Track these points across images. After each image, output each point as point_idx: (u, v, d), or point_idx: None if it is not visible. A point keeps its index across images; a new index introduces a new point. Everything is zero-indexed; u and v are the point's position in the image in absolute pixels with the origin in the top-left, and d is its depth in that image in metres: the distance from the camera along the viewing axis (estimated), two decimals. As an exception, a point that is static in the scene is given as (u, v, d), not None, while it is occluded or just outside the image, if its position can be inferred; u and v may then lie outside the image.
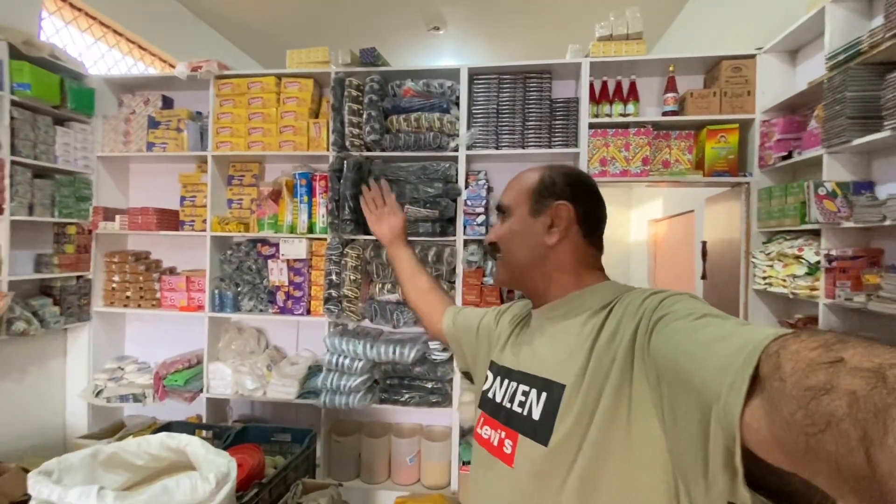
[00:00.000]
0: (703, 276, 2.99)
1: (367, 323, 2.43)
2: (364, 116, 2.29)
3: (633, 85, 2.32)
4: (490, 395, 0.73)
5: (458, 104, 2.36)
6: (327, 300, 2.30)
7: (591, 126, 2.25)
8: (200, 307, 2.55)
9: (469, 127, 2.35)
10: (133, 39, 3.54)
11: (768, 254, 2.07)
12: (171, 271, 2.78)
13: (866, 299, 1.54)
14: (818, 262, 1.77)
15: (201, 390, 2.50)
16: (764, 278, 2.09)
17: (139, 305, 2.62)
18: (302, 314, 2.47)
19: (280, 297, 2.51)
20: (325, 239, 2.41)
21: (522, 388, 0.65)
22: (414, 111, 2.29)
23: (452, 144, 2.30)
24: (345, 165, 2.27)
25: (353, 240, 2.37)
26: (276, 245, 2.50)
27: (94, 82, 2.62)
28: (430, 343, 2.31)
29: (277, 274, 2.50)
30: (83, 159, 2.56)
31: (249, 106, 2.51)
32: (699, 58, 2.25)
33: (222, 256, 2.59)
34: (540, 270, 0.72)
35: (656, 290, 0.59)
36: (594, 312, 0.64)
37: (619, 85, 2.35)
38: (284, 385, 2.43)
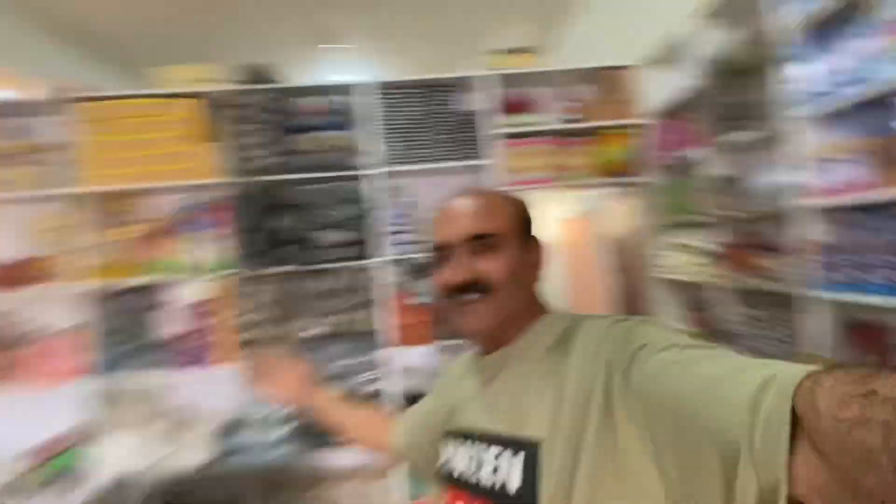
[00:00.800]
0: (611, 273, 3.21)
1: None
2: (260, 138, 2.09)
3: (530, 97, 2.40)
4: (449, 468, 0.64)
5: (362, 121, 2.26)
6: (244, 344, 2.05)
7: (499, 137, 2.28)
8: (79, 373, 2.12)
9: (384, 142, 2.27)
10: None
11: (668, 246, 2.26)
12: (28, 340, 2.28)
13: (758, 280, 1.72)
14: (711, 250, 1.96)
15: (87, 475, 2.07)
16: (666, 268, 2.27)
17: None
18: (207, 365, 2.17)
19: (180, 348, 2.18)
20: (229, 276, 2.15)
21: (491, 451, 0.57)
22: (318, 129, 2.15)
23: (363, 162, 2.19)
24: (246, 191, 2.05)
25: (264, 274, 2.14)
26: (169, 289, 2.17)
27: None
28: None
29: (172, 323, 2.17)
30: None
31: (124, 132, 2.16)
32: (594, 68, 2.40)
33: (103, 310, 2.19)
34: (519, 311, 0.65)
35: (614, 317, 0.56)
36: (551, 349, 0.58)
37: (518, 97, 2.42)
38: (195, 448, 2.11)
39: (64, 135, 2.17)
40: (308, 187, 2.16)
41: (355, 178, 2.20)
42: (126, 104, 2.17)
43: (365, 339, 2.14)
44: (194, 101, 2.21)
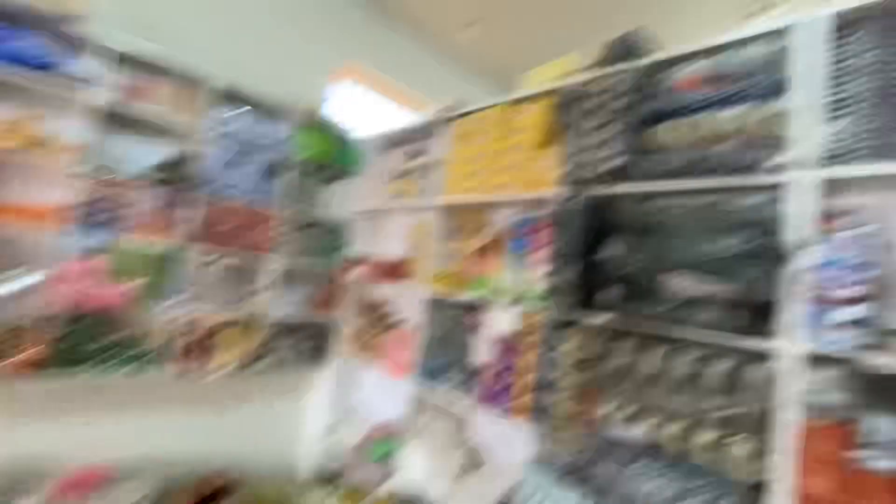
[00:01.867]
0: None
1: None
2: (607, 133, 1.49)
3: None
4: None
5: (786, 87, 1.24)
6: (536, 408, 1.55)
7: None
8: (409, 370, 2.25)
9: (834, 117, 1.18)
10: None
11: None
12: (395, 326, 2.65)
13: None
14: None
15: (390, 473, 2.14)
16: None
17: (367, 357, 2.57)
18: (505, 410, 1.78)
19: (485, 381, 1.91)
20: (541, 311, 1.68)
21: None
22: (695, 111, 1.33)
23: (779, 160, 1.18)
24: (573, 207, 1.52)
25: (583, 321, 1.55)
26: (488, 312, 1.94)
27: (362, 141, 2.87)
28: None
29: (484, 350, 1.92)
30: (346, 211, 2.79)
31: (481, 144, 2.13)
32: None
33: (436, 319, 2.23)
34: None
35: None
36: None
37: None
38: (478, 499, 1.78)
39: (442, 150, 2.36)
40: (673, 202, 1.38)
41: (759, 188, 1.23)
42: (483, 115, 2.11)
43: (735, 489, 1.14)
44: (546, 101, 1.89)
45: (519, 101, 1.99)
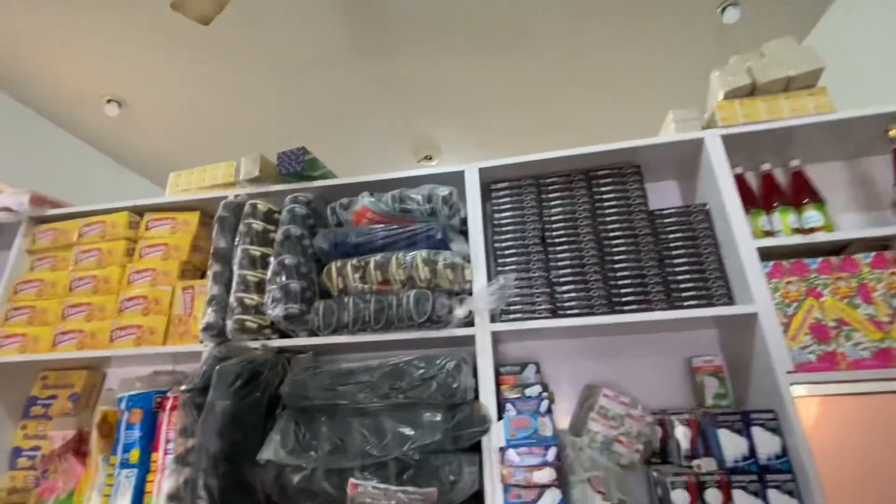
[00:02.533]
0: None
1: None
2: (272, 268, 1.09)
3: (799, 175, 1.17)
4: None
5: (463, 234, 1.19)
6: None
7: (765, 255, 1.02)
8: None
9: (493, 272, 1.14)
10: None
11: None
12: None
13: None
14: None
15: None
16: None
17: None
18: None
19: None
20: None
21: None
22: (377, 250, 1.11)
23: (459, 313, 1.04)
24: (215, 373, 0.98)
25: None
26: (60, 574, 1.05)
27: None
28: None
29: None
30: None
31: (76, 265, 1.35)
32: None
33: None
34: None
35: None
36: None
37: (768, 178, 1.20)
38: None
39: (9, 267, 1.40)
40: (352, 368, 1.03)
41: (444, 342, 1.03)
42: (90, 224, 1.39)
43: None
44: (194, 216, 1.36)
45: (155, 209, 1.39)
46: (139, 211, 1.38)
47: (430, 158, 3.09)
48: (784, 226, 1.10)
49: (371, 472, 0.89)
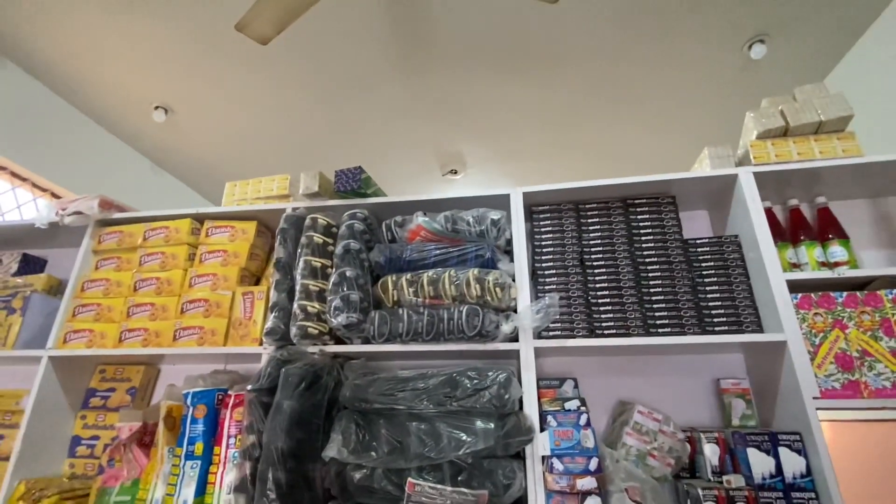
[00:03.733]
0: None
1: None
2: (333, 279, 1.18)
3: (825, 211, 1.25)
4: None
5: (508, 253, 1.28)
6: None
7: (793, 287, 1.10)
8: None
9: (536, 293, 1.22)
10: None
11: None
12: None
13: None
14: None
15: None
16: None
17: None
18: None
19: None
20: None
21: None
22: (430, 266, 1.19)
23: (506, 329, 1.12)
24: (282, 375, 1.07)
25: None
26: (125, 556, 1.13)
27: None
28: None
29: None
30: None
31: (140, 267, 1.44)
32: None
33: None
34: None
35: None
36: None
37: (796, 212, 1.28)
38: None
39: (78, 266, 1.50)
40: (405, 375, 1.11)
41: (494, 355, 1.11)
42: (154, 229, 1.48)
43: None
44: (251, 225, 1.46)
45: (215, 217, 1.49)
46: (200, 218, 1.48)
47: (456, 172, 3.19)
48: (810, 259, 1.18)
49: (427, 473, 0.97)
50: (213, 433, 1.18)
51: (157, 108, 2.65)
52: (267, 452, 1.00)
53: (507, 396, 0.99)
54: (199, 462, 1.14)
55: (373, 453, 0.99)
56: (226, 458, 1.14)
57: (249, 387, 1.10)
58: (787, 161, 1.19)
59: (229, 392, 1.21)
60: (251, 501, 1.01)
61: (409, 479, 0.95)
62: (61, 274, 1.61)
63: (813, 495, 0.96)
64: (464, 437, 0.97)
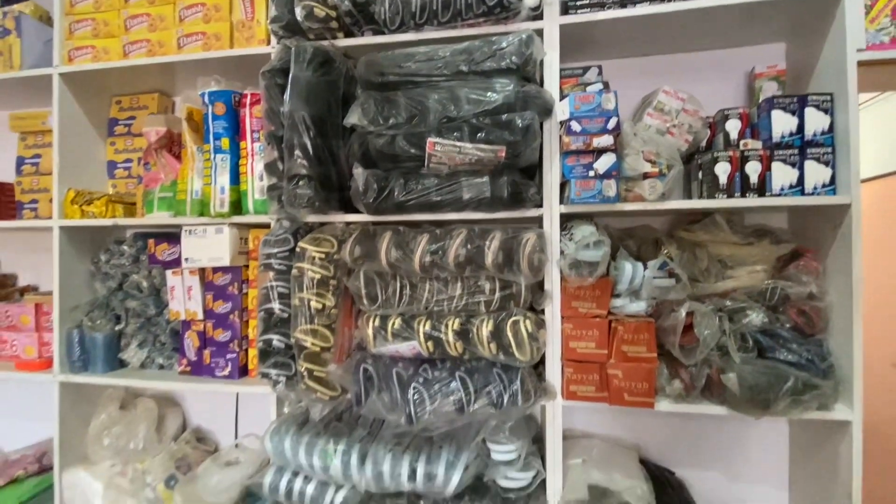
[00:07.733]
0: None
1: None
2: (334, -47, 1.04)
3: None
4: None
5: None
6: (264, 354, 1.06)
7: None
8: (48, 363, 1.35)
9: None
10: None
11: None
12: (24, 292, 1.60)
13: None
14: None
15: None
16: None
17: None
18: (231, 376, 1.23)
19: (190, 342, 1.28)
20: (265, 225, 1.19)
21: None
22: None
23: (529, 1, 1.02)
24: (293, 49, 1.03)
25: (318, 224, 1.12)
26: (180, 241, 1.27)
27: None
28: (493, 447, 1.02)
29: (182, 298, 1.27)
30: None
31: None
32: None
33: (93, 266, 1.39)
34: None
35: None
36: None
37: None
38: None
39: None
40: (420, 51, 1.04)
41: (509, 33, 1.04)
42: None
43: (521, 373, 0.99)
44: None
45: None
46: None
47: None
48: None
49: (446, 135, 0.99)
50: (236, 130, 1.21)
51: None
52: (290, 122, 1.02)
53: (528, 52, 0.95)
54: (227, 155, 1.19)
55: (392, 120, 1.00)
56: (253, 151, 1.19)
57: (263, 69, 1.08)
58: None
59: (245, 92, 1.20)
60: (282, 176, 1.07)
61: (429, 139, 0.98)
62: (47, 5, 1.49)
63: (829, 150, 0.97)
64: (483, 96, 0.96)
